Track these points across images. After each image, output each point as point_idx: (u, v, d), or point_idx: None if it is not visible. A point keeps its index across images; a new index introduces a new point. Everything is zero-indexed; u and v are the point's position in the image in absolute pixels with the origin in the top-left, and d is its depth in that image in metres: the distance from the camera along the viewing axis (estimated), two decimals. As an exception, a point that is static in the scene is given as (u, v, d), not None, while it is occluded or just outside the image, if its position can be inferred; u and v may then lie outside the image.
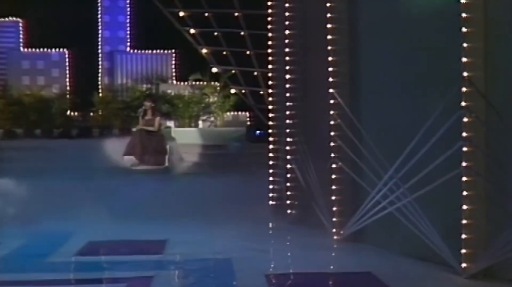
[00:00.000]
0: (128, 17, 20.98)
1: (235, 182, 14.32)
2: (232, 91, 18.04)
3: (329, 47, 7.31)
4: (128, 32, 21.00)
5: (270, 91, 9.91)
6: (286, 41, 8.82)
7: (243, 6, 16.31)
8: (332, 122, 7.29)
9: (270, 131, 9.90)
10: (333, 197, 7.32)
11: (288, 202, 8.83)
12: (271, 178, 9.79)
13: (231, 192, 12.45)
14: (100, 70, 20.97)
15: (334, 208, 7.32)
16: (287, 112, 8.79)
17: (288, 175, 8.83)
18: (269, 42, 9.83)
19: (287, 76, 8.79)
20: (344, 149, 7.23)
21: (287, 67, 8.79)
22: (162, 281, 5.61)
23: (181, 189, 13.16)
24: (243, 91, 16.95)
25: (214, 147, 18.20)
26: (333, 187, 7.31)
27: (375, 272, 5.69)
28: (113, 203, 10.58)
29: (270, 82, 9.90)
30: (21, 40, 20.80)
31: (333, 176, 7.31)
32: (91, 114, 20.02)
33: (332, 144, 7.31)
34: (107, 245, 7.41)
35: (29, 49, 20.73)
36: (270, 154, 9.83)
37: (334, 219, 7.34)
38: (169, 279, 5.67)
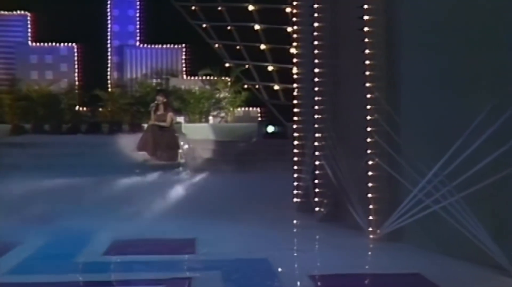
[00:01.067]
0: (138, 11, 20.68)
1: (254, 178, 14.10)
2: (244, 86, 17.75)
3: (366, 40, 7.05)
4: (138, 26, 20.71)
5: (295, 86, 9.65)
6: (315, 34, 8.57)
7: (257, 0, 16.05)
8: (369, 117, 7.04)
9: (294, 126, 9.66)
10: (370, 195, 7.08)
11: (316, 199, 8.59)
12: (295, 175, 9.57)
13: (251, 188, 12.23)
14: (109, 65, 20.68)
15: (371, 206, 7.08)
16: (316, 107, 8.55)
17: (317, 172, 8.59)
18: (295, 37, 9.59)
19: (316, 70, 8.54)
20: (381, 145, 6.99)
21: (316, 61, 8.54)
22: (202, 283, 5.36)
23: (200, 185, 12.93)
24: (257, 86, 16.66)
25: (226, 143, 17.96)
26: (370, 184, 7.07)
27: (423, 273, 5.45)
28: (133, 200, 10.35)
29: (295, 77, 9.65)
30: (29, 34, 20.51)
31: (370, 173, 7.07)
32: (100, 109, 19.71)
33: (368, 140, 7.06)
34: (134, 244, 7.17)
35: (38, 44, 20.45)
36: (295, 150, 9.60)
37: (370, 218, 7.10)
38: (209, 280, 5.41)
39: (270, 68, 16.27)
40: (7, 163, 15.38)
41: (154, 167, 15.30)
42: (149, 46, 20.61)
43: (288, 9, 15.66)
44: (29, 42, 20.41)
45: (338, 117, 8.34)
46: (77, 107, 19.77)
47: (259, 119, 20.41)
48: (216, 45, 17.09)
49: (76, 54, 20.45)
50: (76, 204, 9.89)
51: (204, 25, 17.05)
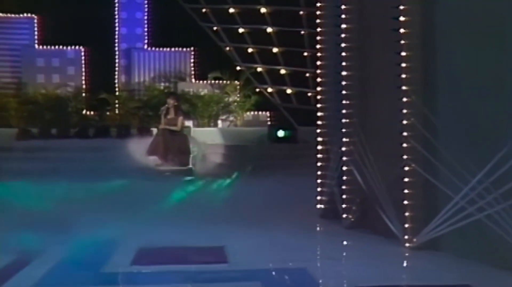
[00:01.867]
0: (146, 13, 20.43)
1: (268, 183, 13.91)
2: (256, 90, 17.54)
3: (402, 41, 6.83)
4: (146, 29, 20.46)
5: (318, 89, 9.44)
6: (342, 36, 8.36)
7: (269, 2, 15.84)
8: (405, 122, 6.82)
9: (318, 131, 9.45)
10: (406, 202, 6.86)
11: (343, 206, 8.37)
12: (319, 181, 9.36)
13: (268, 194, 12.04)
14: (117, 68, 20.43)
15: (406, 214, 6.87)
16: (343, 111, 8.33)
17: (344, 178, 8.37)
18: (318, 39, 9.38)
19: (344, 73, 8.33)
20: (417, 151, 6.77)
21: (344, 63, 8.33)
22: (243, 295, 5.15)
23: (216, 191, 12.71)
24: (269, 89, 16.45)
25: (236, 147, 17.75)
26: (406, 191, 6.85)
27: (473, 285, 5.23)
28: (151, 206, 10.14)
29: (318, 80, 9.44)
30: (35, 37, 20.24)
31: (406, 179, 6.85)
32: (108, 113, 19.46)
33: (405, 145, 6.85)
34: (161, 253, 6.96)
35: (44, 46, 20.19)
36: (318, 155, 9.39)
37: (406, 225, 6.88)
38: (250, 291, 5.21)
39: (282, 71, 16.03)
40: (16, 168, 15.15)
41: (166, 172, 15.10)
42: (157, 49, 20.37)
43: (301, 12, 15.49)
44: (36, 45, 20.18)
45: (367, 121, 8.12)
46: (84, 111, 19.51)
47: (269, 123, 20.16)
48: (227, 48, 16.84)
49: (83, 57, 20.20)
50: (93, 210, 9.69)
51: (215, 28, 16.81)
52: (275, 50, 16.07)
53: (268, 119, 20.31)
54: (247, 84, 19.66)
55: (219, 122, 19.93)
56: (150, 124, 18.79)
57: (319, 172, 9.32)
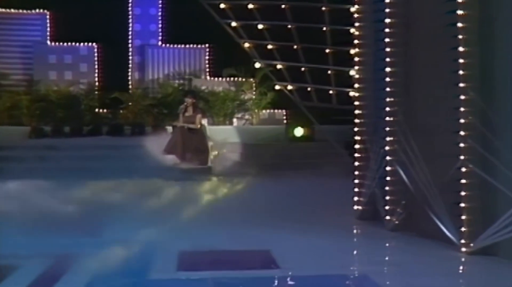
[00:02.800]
0: (160, 9, 20.10)
1: (293, 183, 13.68)
2: (274, 87, 17.21)
3: (460, 36, 6.54)
4: (160, 26, 20.12)
5: (356, 86, 9.16)
6: (386, 31, 8.06)
7: (291, -2, 15.52)
8: (462, 120, 6.53)
9: (355, 129, 9.17)
10: (462, 205, 6.57)
11: (387, 207, 8.09)
12: (357, 181, 9.08)
13: (297, 194, 11.80)
14: (130, 65, 20.11)
15: (463, 217, 6.58)
16: (387, 109, 8.04)
17: (388, 178, 8.08)
18: (355, 34, 9.10)
19: (387, 69, 8.04)
20: (475, 151, 6.49)
21: (388, 59, 8.04)
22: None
23: (242, 191, 12.45)
24: (289, 87, 16.11)
25: (254, 146, 17.49)
26: (462, 193, 6.56)
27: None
28: (177, 207, 9.88)
29: (355, 77, 9.15)
30: (48, 33, 19.85)
31: (463, 181, 6.56)
32: (121, 111, 19.14)
33: (462, 145, 6.55)
34: (204, 257, 6.69)
35: (56, 43, 19.85)
36: (356, 155, 9.11)
37: (462, 229, 6.59)
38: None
39: (303, 68, 15.69)
40: (30, 167, 14.89)
41: (185, 171, 14.81)
42: (171, 45, 20.05)
43: (323, 8, 15.15)
44: (48, 42, 19.83)
45: (413, 119, 7.83)
46: (97, 109, 19.19)
47: (285, 121, 19.88)
48: (246, 45, 16.50)
49: (96, 54, 19.87)
50: (120, 211, 9.42)
51: (233, 24, 16.46)
52: (295, 46, 15.71)
53: (284, 117, 20.03)
54: (263, 81, 19.36)
55: (234, 120, 19.62)
56: (164, 122, 18.51)
57: (356, 173, 9.04)
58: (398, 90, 7.99)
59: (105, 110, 19.27)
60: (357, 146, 9.05)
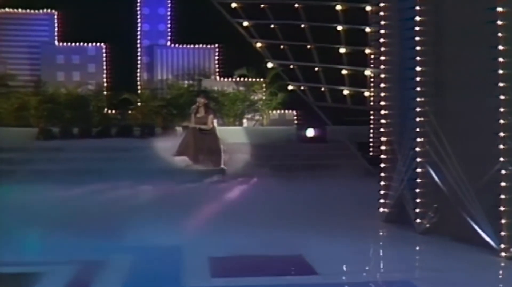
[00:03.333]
0: (169, 9, 19.92)
1: (313, 184, 13.49)
2: (287, 87, 17.04)
3: (500, 34, 6.35)
4: (169, 25, 19.94)
5: (382, 86, 8.98)
6: (416, 29, 7.88)
7: (305, -4, 15.35)
8: (502, 121, 6.35)
9: (381, 130, 8.99)
10: (502, 208, 6.39)
11: (417, 210, 7.91)
12: (382, 183, 8.90)
13: (319, 196, 11.60)
14: (139, 66, 19.92)
15: (502, 221, 6.40)
16: (418, 109, 7.86)
17: (418, 180, 7.90)
18: (381, 33, 8.92)
19: (418, 69, 7.86)
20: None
21: (418, 59, 7.85)
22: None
23: (260, 193, 12.27)
24: (302, 87, 15.93)
25: (265, 148, 17.31)
26: (502, 196, 6.38)
27: None
28: (197, 210, 9.70)
29: (382, 76, 8.97)
30: (55, 33, 19.67)
31: (502, 184, 6.38)
32: (129, 112, 18.96)
33: (501, 146, 6.37)
34: (237, 262, 6.51)
35: (64, 43, 19.67)
36: (382, 156, 8.94)
37: (502, 234, 6.41)
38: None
39: (316, 68, 15.51)
40: (39, 170, 14.70)
41: (198, 173, 14.62)
42: (180, 46, 19.88)
43: (338, 7, 14.98)
44: (56, 42, 19.65)
45: (445, 120, 7.65)
46: (105, 110, 19.01)
47: (295, 122, 19.70)
48: (258, 44, 16.33)
49: (104, 54, 19.69)
50: (141, 214, 9.24)
51: (245, 24, 16.29)
52: (309, 46, 15.53)
53: (295, 118, 19.85)
54: (273, 81, 19.19)
55: (244, 121, 19.44)
56: (174, 123, 18.33)
57: (382, 174, 8.87)
58: (428, 90, 7.81)
59: (113, 111, 19.10)
60: (383, 147, 8.87)
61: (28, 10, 19.56)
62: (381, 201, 8.85)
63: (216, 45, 19.92)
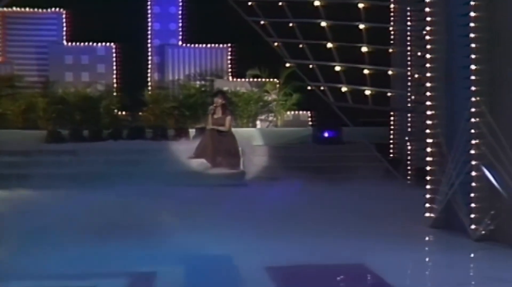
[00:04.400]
0: (181, 8, 19.57)
1: (342, 187, 13.20)
2: (307, 87, 16.77)
3: None
4: (180, 25, 19.58)
5: (428, 85, 8.70)
6: (472, 25, 7.60)
7: (324, -6, 15.05)
8: None
9: (427, 132, 8.71)
10: None
11: (472, 216, 7.62)
12: (429, 186, 8.63)
13: (352, 200, 11.29)
14: (149, 66, 19.59)
15: None
16: (472, 109, 7.57)
17: (473, 184, 7.62)
18: (428, 32, 8.64)
19: (472, 67, 7.57)
20: None
21: (473, 56, 7.57)
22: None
23: (290, 197, 11.93)
24: (321, 87, 15.64)
25: (281, 149, 17.05)
26: None
27: None
28: (235, 215, 9.39)
29: (428, 75, 8.69)
30: (64, 33, 19.27)
31: None
32: (140, 113, 18.61)
33: None
34: (298, 272, 6.19)
35: (73, 43, 19.31)
36: (428, 159, 8.66)
37: None
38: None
39: (337, 68, 15.22)
40: (50, 174, 14.36)
41: (218, 176, 14.33)
42: (192, 45, 19.54)
43: (360, 5, 14.68)
44: (64, 42, 19.28)
45: (500, 120, 7.37)
46: (115, 111, 18.65)
47: (310, 123, 19.43)
48: (275, 44, 16.03)
49: (114, 54, 19.34)
50: (173, 221, 8.92)
51: (262, 22, 15.99)
52: (329, 45, 15.23)
53: (309, 118, 19.58)
54: (287, 82, 18.92)
55: (258, 122, 19.13)
56: (186, 125, 18.02)
57: (429, 177, 8.59)
58: (483, 89, 7.53)
59: (123, 113, 18.76)
60: (429, 150, 8.59)
61: (35, 9, 19.18)
62: (427, 205, 8.56)
63: (229, 44, 19.59)
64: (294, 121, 19.37)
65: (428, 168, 8.55)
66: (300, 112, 19.42)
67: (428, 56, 8.59)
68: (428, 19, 8.57)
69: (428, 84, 8.59)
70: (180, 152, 15.47)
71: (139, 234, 7.71)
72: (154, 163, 14.76)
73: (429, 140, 8.54)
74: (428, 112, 8.53)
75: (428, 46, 8.56)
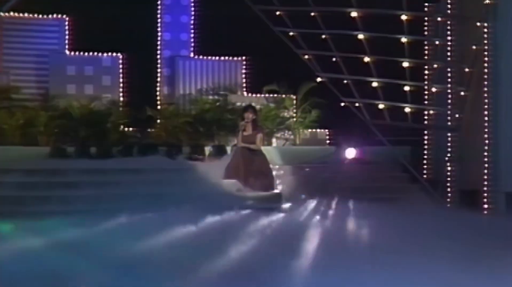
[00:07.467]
0: (193, 17, 18.97)
1: (382, 210, 12.78)
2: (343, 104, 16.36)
3: None
4: (192, 35, 18.97)
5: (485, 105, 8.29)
6: None
7: (361, 4, 14.69)
8: None
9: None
10: None
11: None
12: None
13: (413, 224, 10.83)
14: (159, 78, 18.92)
15: None
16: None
17: None
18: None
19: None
20: None
21: None
22: None
23: (348, 222, 11.43)
24: (356, 104, 15.24)
25: (304, 169, 16.63)
26: None
27: None
28: (288, 243, 8.83)
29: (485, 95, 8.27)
30: (66, 41, 18.47)
31: None
32: (149, 129, 17.91)
33: None
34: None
35: (76, 52, 18.49)
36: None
37: None
38: None
39: (375, 84, 14.85)
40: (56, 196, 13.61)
41: (254, 199, 13.78)
42: (204, 57, 18.97)
43: (404, 16, 14.35)
44: (66, 51, 18.45)
45: None
46: (121, 127, 17.89)
47: (327, 141, 19.03)
48: (306, 56, 15.60)
49: (120, 65, 18.60)
50: (224, 250, 8.31)
51: (291, 33, 15.54)
52: (366, 59, 14.86)
53: (327, 137, 19.18)
54: (306, 98, 18.52)
55: (274, 140, 18.62)
56: (200, 141, 17.41)
57: None
58: None
59: (130, 129, 18.03)
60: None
61: (35, 15, 18.35)
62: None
63: (244, 57, 19.07)
64: (311, 139, 18.94)
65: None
66: (318, 130, 19.00)
67: (485, 76, 8.18)
68: (485, 36, 8.15)
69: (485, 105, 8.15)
70: (205, 171, 14.88)
71: (168, 266, 7.07)
72: (181, 184, 14.10)
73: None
74: (485, 135, 8.07)
75: (485, 64, 8.15)
